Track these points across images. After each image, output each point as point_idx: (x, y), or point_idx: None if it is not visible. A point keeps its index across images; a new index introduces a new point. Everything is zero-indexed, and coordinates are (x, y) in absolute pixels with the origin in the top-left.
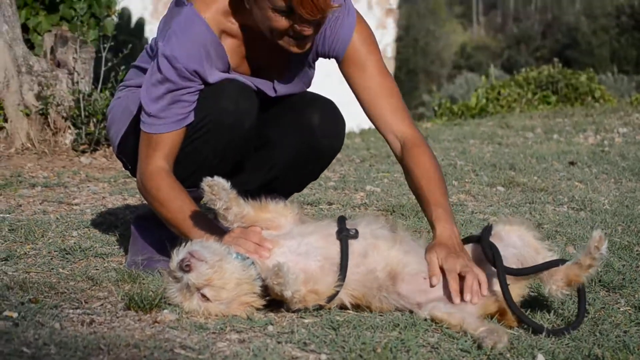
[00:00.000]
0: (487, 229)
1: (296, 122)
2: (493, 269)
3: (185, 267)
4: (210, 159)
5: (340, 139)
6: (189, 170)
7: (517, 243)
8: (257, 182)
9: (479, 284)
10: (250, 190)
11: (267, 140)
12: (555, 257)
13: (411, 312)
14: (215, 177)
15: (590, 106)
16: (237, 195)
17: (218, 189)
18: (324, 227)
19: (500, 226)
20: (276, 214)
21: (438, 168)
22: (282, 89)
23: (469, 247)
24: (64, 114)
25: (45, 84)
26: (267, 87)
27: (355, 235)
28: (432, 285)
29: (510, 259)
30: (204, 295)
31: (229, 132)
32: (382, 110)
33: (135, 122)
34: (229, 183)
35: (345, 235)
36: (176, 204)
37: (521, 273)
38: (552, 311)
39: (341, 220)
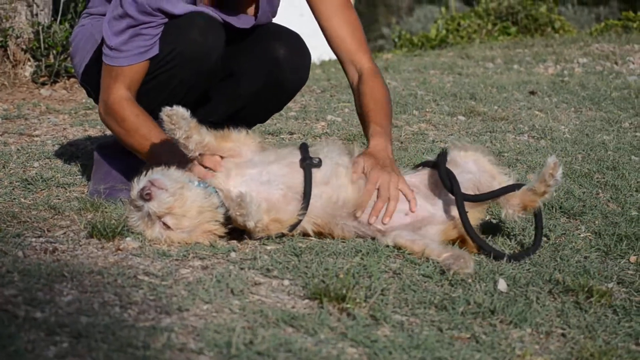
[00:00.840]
0: (443, 155)
1: (262, 55)
2: (450, 195)
3: (145, 196)
4: (177, 91)
5: (306, 71)
6: (155, 102)
7: (472, 168)
8: (222, 112)
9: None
10: (215, 121)
11: (233, 72)
12: (511, 182)
13: (373, 239)
14: (174, 107)
15: (550, 37)
16: (197, 124)
17: (177, 118)
18: (286, 155)
19: (455, 152)
20: (238, 143)
21: (388, 98)
22: (248, 20)
23: (425, 174)
24: (24, 46)
25: (4, 16)
26: (233, 19)
27: (319, 164)
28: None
29: (466, 185)
30: (165, 224)
31: (197, 65)
32: (344, 41)
33: (99, 50)
34: (189, 112)
35: (308, 163)
36: (142, 131)
37: (478, 199)
38: (513, 237)
39: (304, 148)
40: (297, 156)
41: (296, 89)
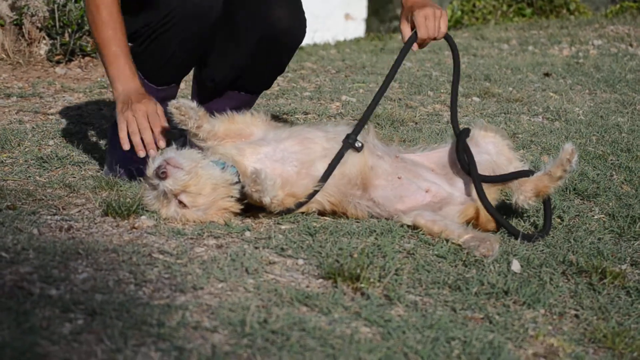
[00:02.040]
0: (465, 133)
1: (258, 11)
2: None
3: (161, 174)
4: (177, 53)
5: (303, 29)
6: (156, 66)
7: (491, 150)
8: (225, 74)
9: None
10: (218, 82)
11: (232, 31)
12: (525, 168)
13: (387, 219)
14: (180, 99)
15: (565, 18)
16: (205, 112)
17: (186, 109)
18: (298, 132)
19: (477, 130)
20: (245, 124)
21: None
22: None
23: (442, 152)
24: (39, 25)
25: None
26: None
27: (360, 148)
28: None
29: (483, 165)
30: (181, 202)
31: (196, 24)
32: None
33: None
34: (195, 102)
35: (351, 142)
36: (107, 33)
37: (492, 180)
38: (527, 219)
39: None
40: (310, 132)
41: (294, 45)
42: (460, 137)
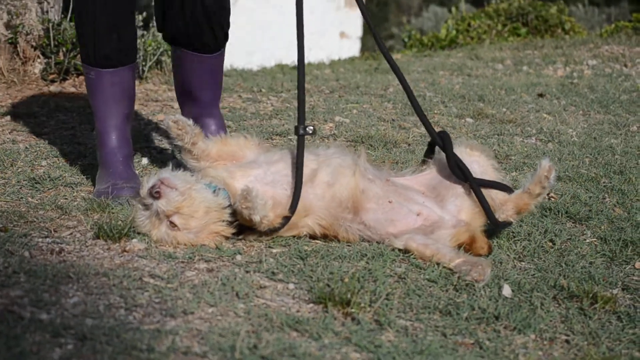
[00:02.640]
0: (447, 139)
1: None
2: (458, 198)
3: (155, 194)
4: (100, 18)
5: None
6: (90, 40)
7: (475, 169)
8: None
9: None
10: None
11: None
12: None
13: (378, 242)
14: (177, 115)
15: (560, 38)
16: (201, 131)
17: (183, 124)
18: (289, 154)
19: (462, 149)
20: (238, 147)
21: None
22: None
23: (429, 174)
24: (34, 43)
25: (14, 13)
26: None
27: (314, 133)
28: None
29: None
30: (172, 223)
31: None
32: None
33: None
34: (192, 120)
35: (302, 133)
36: None
37: (483, 184)
38: (519, 242)
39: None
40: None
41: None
42: (446, 144)
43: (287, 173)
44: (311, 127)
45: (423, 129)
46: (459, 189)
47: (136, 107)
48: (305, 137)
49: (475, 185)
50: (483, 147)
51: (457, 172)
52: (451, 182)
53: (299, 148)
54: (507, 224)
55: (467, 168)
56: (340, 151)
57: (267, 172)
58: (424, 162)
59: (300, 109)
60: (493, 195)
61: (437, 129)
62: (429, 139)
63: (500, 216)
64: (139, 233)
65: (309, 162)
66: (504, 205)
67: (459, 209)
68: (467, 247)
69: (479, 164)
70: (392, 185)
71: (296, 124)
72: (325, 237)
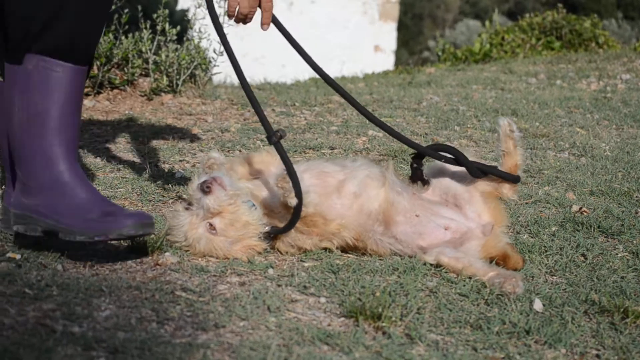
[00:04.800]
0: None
1: None
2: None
3: (206, 189)
4: None
5: None
6: None
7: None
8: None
9: None
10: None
11: None
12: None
13: (410, 256)
14: (212, 152)
15: (593, 52)
16: (225, 161)
17: (213, 162)
18: (315, 166)
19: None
20: (263, 164)
21: None
22: None
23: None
24: None
25: None
26: None
27: (283, 135)
28: None
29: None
30: (212, 226)
31: None
32: None
33: None
34: (221, 154)
35: (276, 139)
36: None
37: (486, 169)
38: (551, 256)
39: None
40: (327, 166)
41: None
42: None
43: (313, 183)
44: (282, 130)
45: (457, 143)
46: (467, 196)
47: (170, 120)
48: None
49: (491, 171)
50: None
51: (480, 174)
52: (456, 192)
53: (281, 153)
54: (518, 177)
55: (484, 164)
56: (367, 163)
57: None
58: (417, 178)
59: (262, 121)
60: (485, 180)
61: (469, 143)
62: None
63: (503, 191)
64: (171, 246)
65: (336, 174)
66: (499, 182)
67: (478, 214)
68: (502, 263)
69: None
70: (418, 199)
71: (266, 134)
72: (355, 249)
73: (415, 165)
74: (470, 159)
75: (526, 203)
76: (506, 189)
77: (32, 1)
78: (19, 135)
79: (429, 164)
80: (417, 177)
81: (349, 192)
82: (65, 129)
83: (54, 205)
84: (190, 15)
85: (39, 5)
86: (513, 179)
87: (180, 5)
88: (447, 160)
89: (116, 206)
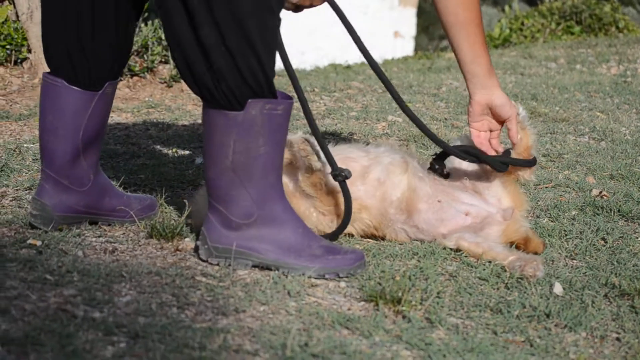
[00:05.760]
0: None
1: None
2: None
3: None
4: None
5: None
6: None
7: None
8: None
9: None
10: None
11: None
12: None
13: (430, 242)
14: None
15: (613, 36)
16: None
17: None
18: (340, 151)
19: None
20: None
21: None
22: None
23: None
24: None
25: None
26: None
27: (348, 176)
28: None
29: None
30: None
31: None
32: None
33: None
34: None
35: (340, 177)
36: None
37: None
38: (570, 240)
39: (333, 164)
40: (351, 152)
41: None
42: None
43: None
44: (348, 171)
45: None
46: (485, 181)
47: (190, 107)
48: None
49: (512, 162)
50: None
51: (505, 167)
52: (475, 176)
53: (344, 192)
54: (534, 160)
55: (504, 157)
56: (390, 149)
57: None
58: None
59: (327, 157)
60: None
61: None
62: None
63: (520, 174)
64: (191, 232)
65: (360, 159)
66: (516, 170)
67: (498, 198)
68: (522, 247)
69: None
70: (440, 185)
71: (331, 171)
72: (373, 237)
73: (437, 166)
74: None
75: (546, 187)
76: (523, 172)
77: None
78: None
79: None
80: (438, 174)
81: (373, 179)
82: None
83: None
84: None
85: None
86: (530, 164)
87: None
88: (471, 160)
89: None
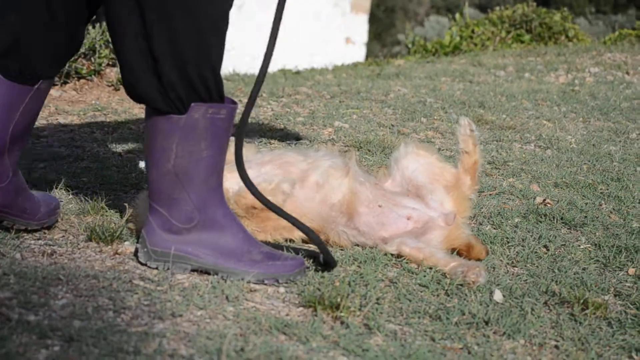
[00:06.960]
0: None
1: None
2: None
3: None
4: None
5: None
6: None
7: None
8: None
9: None
10: None
11: None
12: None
13: (371, 247)
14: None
15: (563, 45)
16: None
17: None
18: (279, 156)
19: (410, 148)
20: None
21: None
22: None
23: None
24: None
25: None
26: None
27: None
28: None
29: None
30: None
31: None
32: None
33: None
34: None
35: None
36: None
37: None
38: (512, 247)
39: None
40: (290, 156)
41: None
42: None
43: (276, 173)
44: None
45: (423, 135)
46: (429, 186)
47: (137, 111)
48: (300, 142)
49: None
50: (427, 146)
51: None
52: (418, 182)
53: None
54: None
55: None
56: (330, 153)
57: (258, 173)
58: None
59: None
60: (446, 176)
61: (435, 135)
62: (433, 144)
63: (466, 191)
64: (131, 236)
65: (299, 163)
66: (459, 179)
67: (440, 202)
68: (465, 253)
69: (425, 161)
70: (380, 189)
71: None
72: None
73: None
74: (437, 150)
75: (490, 194)
76: (465, 187)
77: None
78: None
79: (392, 153)
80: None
81: (312, 182)
82: None
83: None
84: None
85: None
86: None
87: None
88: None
89: None
